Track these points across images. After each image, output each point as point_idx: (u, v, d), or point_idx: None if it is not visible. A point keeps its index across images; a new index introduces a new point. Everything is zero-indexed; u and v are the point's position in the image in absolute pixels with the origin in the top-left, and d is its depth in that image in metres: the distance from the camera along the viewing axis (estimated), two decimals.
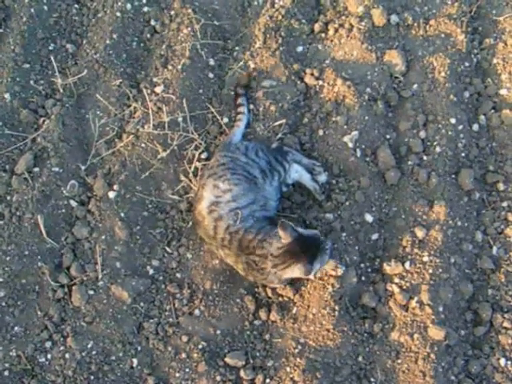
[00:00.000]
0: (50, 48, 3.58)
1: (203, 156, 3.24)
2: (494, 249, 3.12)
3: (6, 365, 2.84)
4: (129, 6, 3.63)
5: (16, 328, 2.92)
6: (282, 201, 3.13)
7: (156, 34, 3.64)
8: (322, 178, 3.16)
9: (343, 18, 3.61)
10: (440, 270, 2.97)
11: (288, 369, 2.84)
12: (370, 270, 3.06)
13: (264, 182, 3.01)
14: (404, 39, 3.59)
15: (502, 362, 2.86)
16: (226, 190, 2.90)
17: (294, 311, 2.95)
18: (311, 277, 2.89)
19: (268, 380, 2.84)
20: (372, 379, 2.84)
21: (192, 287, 3.01)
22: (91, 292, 2.96)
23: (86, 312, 2.94)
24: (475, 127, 3.38)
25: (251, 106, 3.34)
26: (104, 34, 3.54)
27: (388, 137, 3.32)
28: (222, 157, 3.05)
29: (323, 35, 3.60)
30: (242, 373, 2.84)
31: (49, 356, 2.88)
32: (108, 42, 3.52)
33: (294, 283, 2.99)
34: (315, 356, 2.85)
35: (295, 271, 2.76)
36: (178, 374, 2.85)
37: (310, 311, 2.92)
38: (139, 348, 2.90)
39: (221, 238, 2.87)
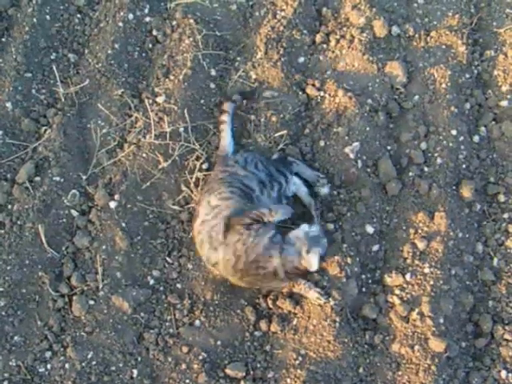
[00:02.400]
0: (52, 57, 3.58)
1: (204, 166, 3.24)
2: (495, 260, 3.12)
3: (6, 375, 2.83)
4: (131, 15, 3.64)
5: (16, 338, 2.91)
6: None
7: (158, 44, 3.64)
8: (325, 190, 3.16)
9: (344, 29, 3.62)
10: (441, 282, 2.97)
11: (288, 380, 2.83)
12: (370, 281, 3.06)
13: (261, 193, 3.00)
14: (405, 50, 3.60)
15: (503, 374, 2.86)
16: (215, 206, 2.92)
17: (294, 322, 2.94)
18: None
19: None
20: None
21: (192, 298, 3.00)
22: (91, 302, 2.96)
23: (87, 322, 2.93)
24: (476, 139, 3.39)
25: (252, 117, 3.34)
26: (106, 44, 3.54)
27: (389, 148, 3.33)
28: (221, 172, 3.06)
29: (324, 46, 3.61)
30: None
31: (48, 366, 2.87)
32: (110, 51, 3.52)
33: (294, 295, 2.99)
34: (316, 367, 2.84)
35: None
36: None
37: (311, 322, 2.91)
38: (139, 358, 2.89)
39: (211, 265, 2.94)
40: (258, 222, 2.85)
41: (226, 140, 3.23)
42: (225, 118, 3.27)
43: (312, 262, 2.79)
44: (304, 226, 2.87)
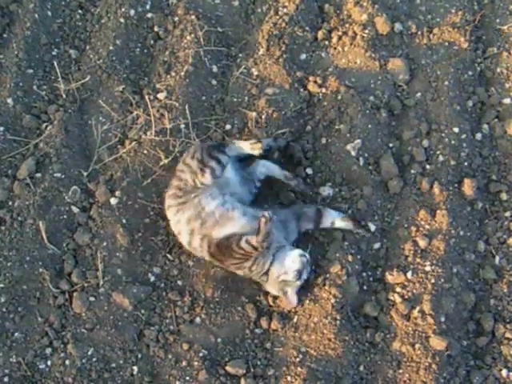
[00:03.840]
0: (54, 53, 3.58)
1: None
2: (497, 259, 3.10)
3: (6, 371, 2.83)
4: (132, 12, 3.63)
5: (16, 334, 2.90)
6: None
7: (159, 40, 3.64)
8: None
9: (347, 25, 3.61)
10: (442, 280, 2.96)
11: (289, 378, 2.82)
12: (371, 279, 3.05)
13: (194, 183, 2.95)
14: (408, 47, 3.59)
15: (504, 372, 2.84)
16: (169, 219, 3.00)
17: (295, 320, 2.94)
18: None
19: None
20: None
21: (193, 295, 3.00)
22: (92, 299, 2.95)
23: (87, 319, 2.92)
24: (478, 136, 3.38)
25: (253, 114, 3.33)
26: (107, 40, 3.54)
27: (391, 145, 3.32)
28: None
29: (326, 43, 3.60)
30: (242, 381, 2.83)
31: (49, 363, 2.86)
32: (111, 47, 3.52)
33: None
34: (316, 365, 2.83)
35: None
36: (178, 382, 2.84)
37: (312, 320, 2.91)
38: (140, 355, 2.89)
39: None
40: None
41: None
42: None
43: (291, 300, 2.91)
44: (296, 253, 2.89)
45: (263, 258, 2.87)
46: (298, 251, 2.87)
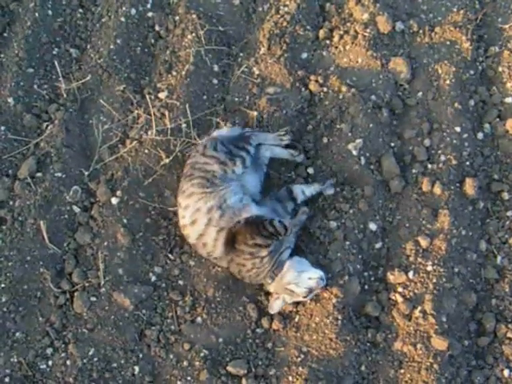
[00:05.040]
0: (54, 53, 3.57)
1: None
2: (499, 258, 3.10)
3: (7, 371, 2.83)
4: (133, 11, 3.62)
5: (17, 334, 2.91)
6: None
7: (160, 39, 3.63)
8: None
9: (348, 24, 3.60)
10: (444, 280, 2.96)
11: (290, 378, 2.83)
12: (373, 279, 3.05)
13: (225, 173, 2.99)
14: (409, 47, 3.58)
15: (506, 372, 2.85)
16: (185, 207, 2.95)
17: (296, 320, 2.94)
18: None
19: None
20: None
21: (194, 295, 3.00)
22: (93, 298, 2.95)
23: (88, 319, 2.93)
24: (480, 136, 3.37)
25: (255, 113, 3.32)
26: (108, 39, 3.53)
27: (392, 145, 3.31)
28: (185, 166, 3.08)
29: (328, 42, 3.59)
30: (243, 381, 2.83)
31: (50, 363, 2.87)
32: (112, 47, 3.51)
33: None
34: (318, 365, 2.84)
35: None
36: (179, 382, 2.84)
37: (313, 320, 2.91)
38: (141, 355, 2.89)
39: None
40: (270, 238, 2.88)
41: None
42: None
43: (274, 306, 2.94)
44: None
45: (276, 253, 2.89)
46: (320, 273, 2.88)
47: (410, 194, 3.18)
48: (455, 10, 3.68)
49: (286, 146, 3.21)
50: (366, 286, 3.03)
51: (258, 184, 3.12)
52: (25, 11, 3.60)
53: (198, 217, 2.90)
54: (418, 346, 2.84)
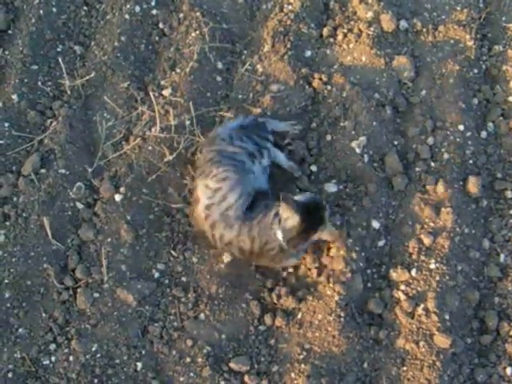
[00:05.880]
0: (58, 49, 3.58)
1: None
2: (502, 256, 3.10)
3: (10, 366, 2.83)
4: (137, 8, 3.63)
5: (20, 330, 2.91)
6: None
7: (164, 36, 3.63)
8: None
9: (352, 23, 3.60)
10: (447, 278, 2.96)
11: (293, 375, 2.83)
12: (376, 276, 3.05)
13: (253, 163, 3.02)
14: (413, 45, 3.58)
15: (509, 370, 2.84)
16: (216, 189, 2.91)
17: (299, 317, 2.94)
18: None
19: None
20: None
21: (197, 291, 3.00)
22: (96, 295, 2.96)
23: (91, 314, 2.93)
24: (483, 134, 3.37)
25: (258, 111, 3.32)
26: (112, 36, 3.54)
27: (396, 143, 3.31)
28: (209, 152, 3.05)
29: (332, 40, 3.59)
30: (246, 378, 2.83)
31: (53, 358, 2.87)
32: (116, 44, 3.52)
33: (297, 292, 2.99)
34: (320, 362, 2.83)
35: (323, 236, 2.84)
36: (182, 379, 2.84)
37: (316, 317, 2.91)
38: (143, 352, 2.89)
39: (219, 241, 2.93)
40: None
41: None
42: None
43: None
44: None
45: None
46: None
47: (413, 192, 3.18)
48: (459, 8, 3.68)
49: (290, 156, 3.21)
50: (369, 284, 3.02)
51: (260, 174, 3.10)
52: (29, 8, 3.60)
53: (229, 195, 2.90)
54: (421, 343, 2.84)
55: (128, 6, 3.61)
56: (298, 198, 2.81)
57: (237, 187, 2.91)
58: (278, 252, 2.88)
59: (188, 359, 2.87)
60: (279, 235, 2.80)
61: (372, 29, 3.53)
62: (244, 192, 2.92)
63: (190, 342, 2.89)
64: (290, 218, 2.75)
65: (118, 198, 3.12)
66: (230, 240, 2.91)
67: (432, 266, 2.97)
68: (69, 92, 3.41)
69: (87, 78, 3.43)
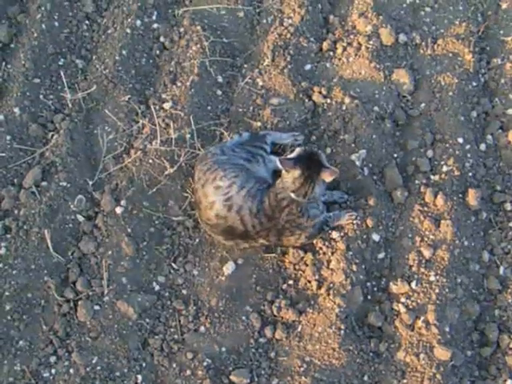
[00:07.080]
0: (60, 63, 3.60)
1: None
2: (501, 269, 3.10)
3: (11, 379, 2.83)
4: (138, 22, 3.65)
5: (21, 342, 2.91)
6: None
7: (165, 50, 3.66)
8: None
9: (351, 36, 3.62)
10: (446, 290, 2.96)
11: None
12: (376, 289, 3.05)
13: (251, 165, 3.10)
14: (412, 58, 3.61)
15: (509, 383, 2.84)
16: (230, 184, 2.95)
17: (299, 329, 2.94)
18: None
19: None
20: None
21: (198, 304, 3.00)
22: (97, 307, 2.96)
23: (92, 327, 2.93)
24: (482, 147, 3.39)
25: (258, 124, 3.34)
26: (113, 50, 3.56)
27: (395, 156, 3.33)
28: (203, 165, 3.08)
29: (331, 53, 3.61)
30: None
31: (53, 371, 2.86)
32: (117, 57, 3.54)
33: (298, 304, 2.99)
34: (320, 375, 2.83)
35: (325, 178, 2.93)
36: None
37: (316, 330, 2.91)
38: (144, 364, 2.89)
39: (251, 225, 2.94)
40: None
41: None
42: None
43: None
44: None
45: None
46: None
47: (412, 205, 3.19)
48: (457, 22, 3.71)
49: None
50: (369, 296, 3.03)
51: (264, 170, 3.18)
52: (32, 22, 3.63)
53: (246, 185, 2.98)
54: (421, 356, 2.84)
55: (129, 20, 3.64)
56: (291, 156, 2.95)
57: (250, 179, 3.00)
58: (296, 210, 2.95)
59: (188, 372, 2.87)
60: (288, 190, 2.92)
61: (371, 42, 3.55)
62: (258, 180, 3.01)
63: (190, 355, 2.89)
64: (291, 174, 2.88)
65: (118, 210, 3.13)
66: (255, 212, 2.95)
67: (432, 279, 2.98)
68: (70, 105, 3.43)
69: (89, 91, 3.45)
